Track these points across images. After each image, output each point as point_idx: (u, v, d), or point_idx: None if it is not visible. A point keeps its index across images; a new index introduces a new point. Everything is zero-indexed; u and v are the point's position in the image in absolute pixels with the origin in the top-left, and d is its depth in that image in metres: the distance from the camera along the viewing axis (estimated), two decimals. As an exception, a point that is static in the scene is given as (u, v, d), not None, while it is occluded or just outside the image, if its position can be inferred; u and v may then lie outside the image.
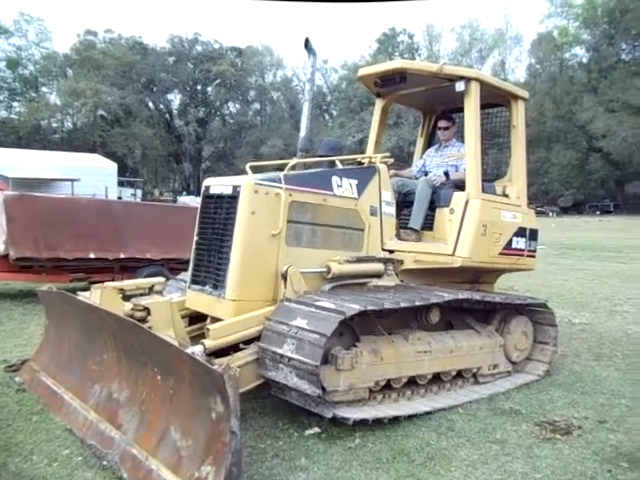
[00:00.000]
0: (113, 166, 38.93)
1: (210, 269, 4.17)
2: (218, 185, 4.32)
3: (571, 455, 3.48)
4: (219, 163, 65.11)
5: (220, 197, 4.23)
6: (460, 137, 5.57)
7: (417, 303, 3.99)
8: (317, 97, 68.96)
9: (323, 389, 3.52)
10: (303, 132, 4.78)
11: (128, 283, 4.40)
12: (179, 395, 3.01)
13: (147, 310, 3.85)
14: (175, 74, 63.13)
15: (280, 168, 4.45)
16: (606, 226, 33.45)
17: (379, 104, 6.05)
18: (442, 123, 5.82)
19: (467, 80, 5.01)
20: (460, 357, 4.51)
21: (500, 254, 5.15)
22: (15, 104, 57.83)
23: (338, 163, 4.81)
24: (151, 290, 4.38)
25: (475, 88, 5.04)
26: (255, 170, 4.35)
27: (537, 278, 11.14)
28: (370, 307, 3.69)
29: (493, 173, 5.94)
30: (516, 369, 5.03)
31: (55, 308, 4.50)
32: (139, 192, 45.65)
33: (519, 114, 5.57)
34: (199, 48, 64.92)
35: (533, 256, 5.58)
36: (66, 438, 3.46)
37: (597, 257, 16.03)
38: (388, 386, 4.06)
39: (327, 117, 70.57)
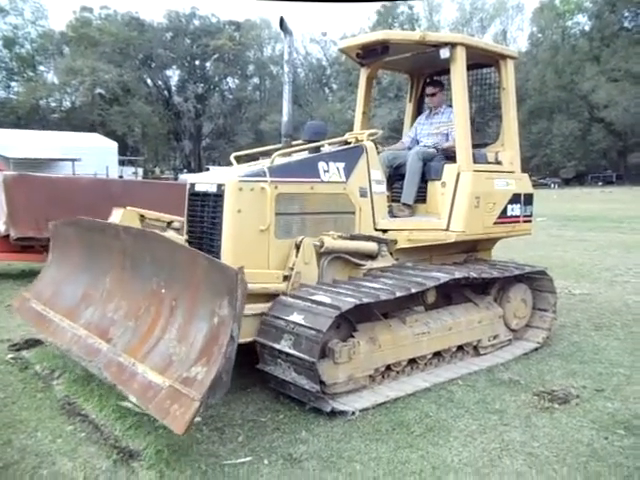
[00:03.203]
0: (113, 145, 38.86)
1: None
2: (203, 183, 4.27)
3: (569, 424, 3.56)
4: (219, 140, 64.69)
5: (206, 195, 4.19)
6: (450, 102, 5.40)
7: (413, 290, 3.97)
8: (317, 70, 68.33)
9: (322, 382, 3.56)
10: (285, 117, 4.60)
11: (149, 212, 4.57)
12: (181, 304, 3.12)
13: None
14: (173, 50, 62.34)
15: (265, 153, 4.41)
16: (608, 197, 33.32)
17: (364, 73, 5.87)
18: (429, 89, 5.67)
19: (452, 46, 4.86)
20: (459, 333, 4.54)
21: (495, 223, 5.13)
22: (13, 84, 57.40)
23: (327, 147, 4.72)
24: (169, 225, 4.53)
25: (461, 53, 4.90)
26: (240, 160, 4.35)
27: (538, 250, 11.16)
28: (366, 300, 3.69)
29: (485, 137, 5.82)
30: (516, 336, 5.07)
31: (61, 239, 4.63)
32: (140, 170, 45.57)
33: (508, 75, 5.40)
34: (197, 23, 63.97)
35: (529, 221, 5.55)
36: (70, 415, 3.52)
37: (598, 228, 16.00)
38: (388, 367, 4.09)
39: (327, 91, 69.90)
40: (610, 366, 4.59)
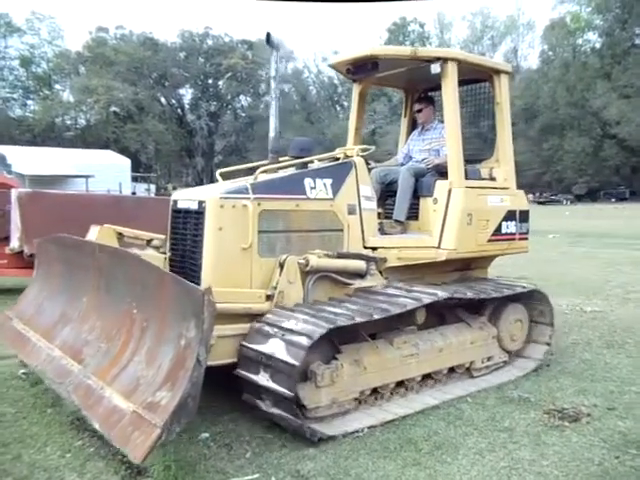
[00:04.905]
0: (127, 162, 39.22)
1: None
2: (185, 199, 4.19)
3: (579, 442, 3.50)
4: (231, 157, 65.09)
5: (188, 212, 4.11)
6: (442, 118, 5.29)
7: (392, 312, 3.81)
8: (329, 89, 68.83)
9: (304, 407, 3.47)
10: (272, 132, 4.55)
11: (127, 230, 4.45)
12: (151, 326, 3.05)
13: None
14: (186, 69, 63.21)
15: (254, 170, 4.33)
16: (621, 213, 33.04)
17: (356, 89, 5.77)
18: (416, 106, 5.59)
19: (443, 61, 4.77)
20: (450, 354, 4.41)
21: (489, 241, 5.00)
22: (29, 102, 58.44)
23: (316, 162, 4.66)
24: (149, 243, 4.38)
25: (452, 69, 4.80)
26: (226, 176, 4.27)
27: (549, 266, 11.11)
28: (340, 323, 3.51)
29: (478, 154, 5.65)
30: (514, 355, 4.95)
31: (45, 255, 4.60)
32: (153, 187, 45.94)
33: (502, 90, 5.29)
34: (210, 42, 64.93)
35: (526, 238, 5.40)
36: (79, 430, 3.53)
37: (611, 245, 15.84)
38: (374, 390, 3.97)
39: (338, 108, 70.30)
40: (622, 384, 4.51)
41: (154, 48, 60.75)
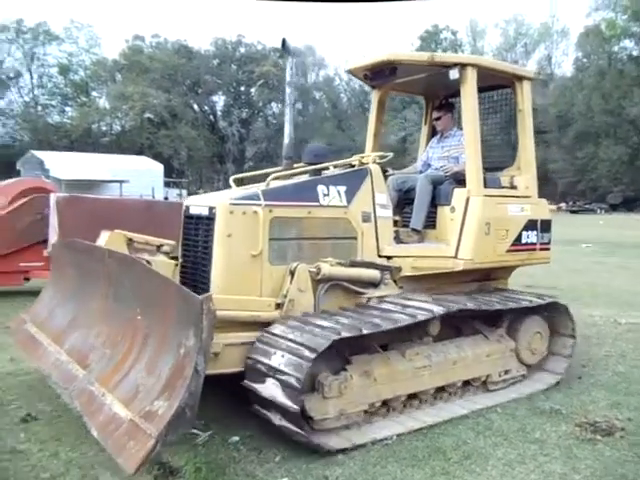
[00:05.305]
0: (160, 167, 40.01)
1: (195, 292, 4.05)
2: (197, 205, 4.19)
3: (612, 457, 3.44)
4: (262, 163, 65.54)
5: (199, 218, 4.10)
6: (461, 125, 5.22)
7: (400, 324, 3.73)
8: (359, 96, 68.80)
9: (310, 418, 3.43)
10: (287, 139, 4.55)
11: (137, 235, 4.44)
12: (154, 333, 3.04)
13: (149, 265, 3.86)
14: (219, 76, 63.94)
15: (269, 175, 4.30)
16: (658, 224, 32.21)
17: (375, 96, 5.77)
18: (434, 113, 5.54)
19: (462, 66, 4.69)
20: (465, 367, 4.31)
21: (508, 251, 4.89)
22: (67, 109, 59.81)
23: (332, 169, 4.62)
24: (159, 249, 4.39)
25: (471, 74, 4.73)
26: (240, 182, 4.24)
27: (582, 276, 10.95)
28: (345, 334, 3.44)
29: (499, 161, 5.55)
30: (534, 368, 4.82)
31: (59, 259, 4.68)
32: (184, 192, 46.54)
33: (525, 96, 5.19)
34: (242, 50, 65.54)
35: (547, 249, 5.26)
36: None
37: (647, 255, 15.50)
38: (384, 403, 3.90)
39: (368, 115, 70.24)
40: (658, 399, 4.44)
41: (188, 56, 61.65)
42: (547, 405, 4.26)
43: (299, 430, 3.30)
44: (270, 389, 3.34)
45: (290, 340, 3.46)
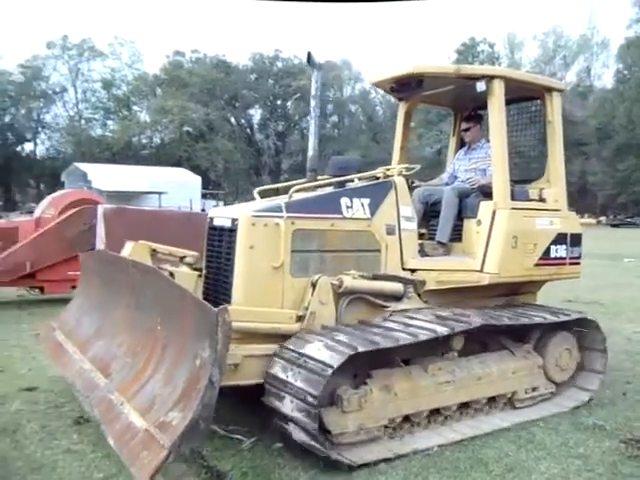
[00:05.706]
0: (197, 179, 40.74)
1: (217, 303, 4.06)
2: (220, 217, 4.21)
3: (658, 474, 3.38)
4: (297, 175, 65.95)
5: (222, 229, 4.13)
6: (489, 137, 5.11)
7: (421, 338, 3.65)
8: (394, 108, 68.82)
9: (328, 432, 3.39)
10: (311, 151, 4.54)
11: (161, 246, 4.53)
12: (172, 344, 3.07)
13: (172, 276, 3.97)
14: (256, 90, 64.92)
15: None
16: None
17: (402, 108, 5.70)
18: (463, 125, 5.48)
19: (489, 78, 4.64)
20: (490, 383, 4.21)
21: (536, 265, 4.77)
22: (109, 122, 61.58)
23: (356, 181, 4.60)
24: (182, 260, 4.44)
25: (499, 87, 4.67)
26: (264, 194, 4.27)
27: (625, 291, 10.74)
28: (362, 348, 3.38)
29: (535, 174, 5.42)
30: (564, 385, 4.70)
31: (88, 269, 4.80)
32: (221, 204, 47.18)
33: (554, 108, 5.08)
34: (279, 64, 66.45)
35: (577, 263, 5.11)
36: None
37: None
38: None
39: (405, 129, 70.11)
40: None
41: (226, 70, 62.81)
42: (590, 421, 4.19)
43: (318, 445, 3.28)
44: (287, 406, 3.34)
45: (306, 356, 3.44)
